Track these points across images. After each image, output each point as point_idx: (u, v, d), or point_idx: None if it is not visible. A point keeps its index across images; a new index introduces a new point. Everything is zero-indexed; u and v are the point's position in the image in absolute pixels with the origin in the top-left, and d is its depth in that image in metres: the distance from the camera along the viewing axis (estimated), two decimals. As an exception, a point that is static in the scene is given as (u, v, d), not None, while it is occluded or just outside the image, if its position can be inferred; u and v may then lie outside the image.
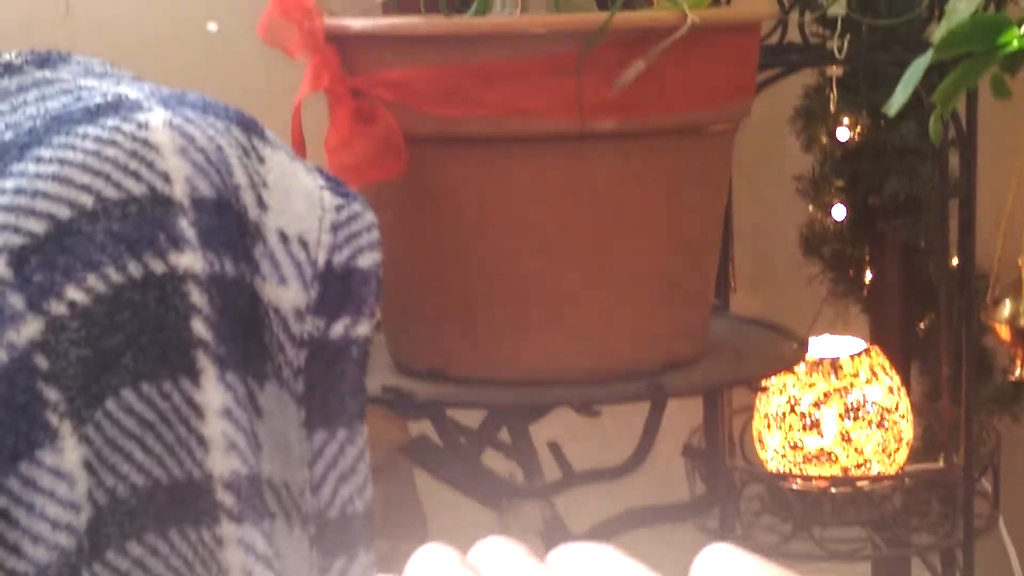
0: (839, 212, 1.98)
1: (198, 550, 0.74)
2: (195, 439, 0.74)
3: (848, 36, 1.54)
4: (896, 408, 1.77)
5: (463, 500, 1.29)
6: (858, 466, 1.75)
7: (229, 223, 0.77)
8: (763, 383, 1.28)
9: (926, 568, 1.86)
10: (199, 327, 0.75)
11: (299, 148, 1.11)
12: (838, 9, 1.50)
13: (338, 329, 0.80)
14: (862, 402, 1.75)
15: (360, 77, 1.12)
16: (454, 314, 1.17)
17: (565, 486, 1.27)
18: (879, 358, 1.79)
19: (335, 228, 0.81)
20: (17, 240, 0.73)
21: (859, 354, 1.77)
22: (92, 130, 0.76)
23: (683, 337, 1.21)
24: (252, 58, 1.71)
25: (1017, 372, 1.87)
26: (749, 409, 1.84)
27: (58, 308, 0.72)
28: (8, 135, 0.78)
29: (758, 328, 1.36)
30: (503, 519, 1.26)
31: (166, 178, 0.75)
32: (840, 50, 1.53)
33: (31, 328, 0.72)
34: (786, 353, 1.28)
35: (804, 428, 1.75)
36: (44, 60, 0.87)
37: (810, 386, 1.76)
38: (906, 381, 1.91)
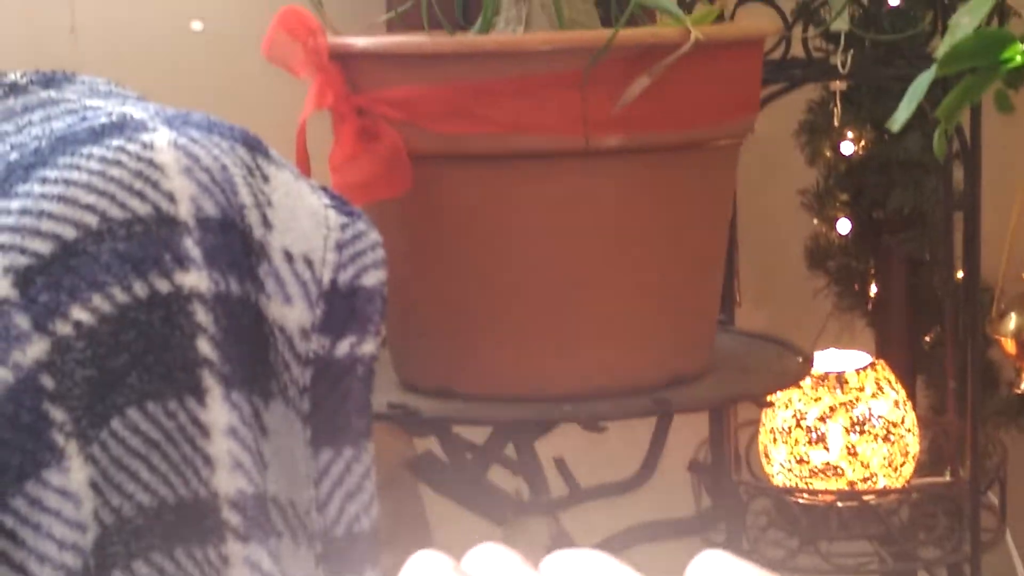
0: (844, 226, 1.99)
1: (204, 569, 0.74)
2: (201, 458, 0.74)
3: (851, 51, 1.54)
4: (902, 422, 1.77)
5: (469, 516, 1.29)
6: (864, 480, 1.75)
7: (234, 242, 0.77)
8: (769, 398, 1.28)
9: (933, 582, 1.86)
10: (204, 346, 0.75)
11: (304, 166, 1.11)
12: (841, 24, 1.50)
13: (344, 348, 0.80)
14: (868, 416, 1.75)
15: (364, 95, 1.12)
16: (459, 331, 1.17)
17: (571, 502, 1.27)
18: (885, 372, 1.79)
19: (340, 247, 0.81)
20: (23, 261, 0.73)
21: (865, 368, 1.77)
22: (97, 150, 0.76)
23: (688, 352, 1.21)
24: (258, 76, 1.71)
25: (1023, 385, 1.87)
26: (755, 423, 1.84)
27: (64, 328, 0.72)
28: (13, 155, 0.78)
29: (763, 343, 1.36)
30: (509, 535, 1.26)
31: (171, 198, 0.76)
32: (843, 65, 1.54)
33: (37, 348, 0.72)
34: (792, 368, 1.28)
35: (810, 442, 1.75)
36: (49, 80, 0.87)
37: (816, 400, 1.76)
38: (912, 395, 1.91)
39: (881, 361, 1.80)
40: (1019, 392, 1.90)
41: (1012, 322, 1.83)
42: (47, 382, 0.72)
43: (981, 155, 1.66)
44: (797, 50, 1.61)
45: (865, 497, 1.73)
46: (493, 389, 1.17)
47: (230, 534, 0.74)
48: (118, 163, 0.76)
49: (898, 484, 1.76)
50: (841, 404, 1.75)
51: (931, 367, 2.00)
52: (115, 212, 0.74)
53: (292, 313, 0.79)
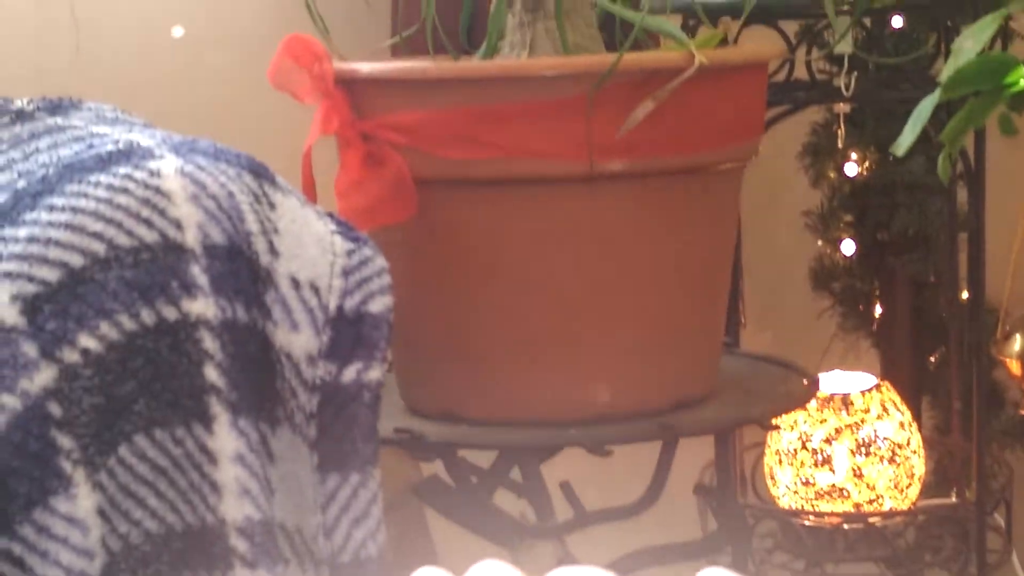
0: (848, 247, 1.99)
1: (212, 596, 0.74)
2: (208, 485, 0.74)
3: (855, 73, 1.55)
4: (908, 443, 1.77)
5: (475, 540, 1.29)
6: (870, 502, 1.75)
7: (241, 269, 0.78)
8: (774, 421, 1.28)
9: (940, 604, 1.86)
10: (211, 373, 0.75)
11: (309, 192, 1.12)
12: (845, 47, 1.51)
13: (350, 374, 0.80)
14: (873, 438, 1.75)
15: (370, 121, 1.13)
16: (464, 355, 1.17)
17: (577, 526, 1.27)
18: (890, 393, 1.79)
19: (346, 273, 0.81)
20: (30, 288, 0.73)
21: (870, 390, 1.77)
22: (104, 178, 0.77)
23: (693, 376, 1.21)
24: (264, 101, 1.71)
25: (1028, 406, 1.87)
26: (760, 445, 1.84)
27: (71, 356, 0.72)
28: (21, 183, 0.78)
29: (768, 365, 1.36)
30: (515, 559, 1.26)
31: (178, 225, 0.76)
32: (847, 87, 1.54)
33: (45, 376, 0.72)
34: (797, 391, 1.28)
35: (816, 464, 1.75)
36: (56, 106, 0.87)
37: (821, 422, 1.76)
38: (917, 416, 1.91)
39: (886, 383, 1.80)
40: (1024, 413, 1.90)
41: (1017, 343, 1.82)
42: (55, 410, 0.72)
43: (985, 176, 1.67)
44: (801, 72, 1.62)
45: (871, 519, 1.73)
46: (499, 413, 1.17)
47: (238, 561, 0.74)
48: (125, 191, 0.76)
49: (904, 506, 1.76)
50: (847, 426, 1.75)
51: (936, 388, 2.00)
52: (122, 239, 0.75)
53: (299, 340, 0.79)
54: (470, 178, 1.12)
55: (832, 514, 1.73)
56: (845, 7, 1.52)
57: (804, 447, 1.76)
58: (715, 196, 1.19)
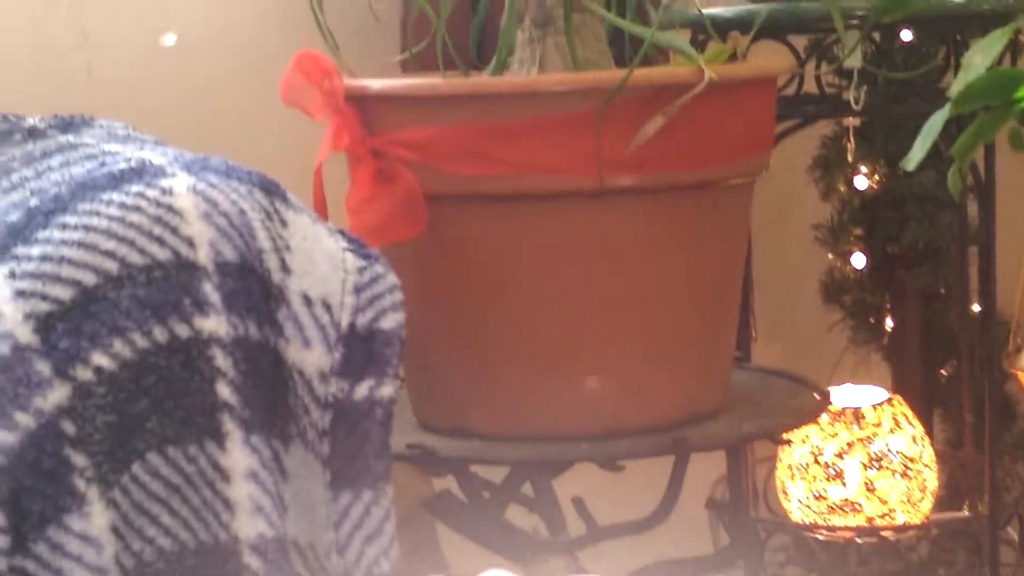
0: (859, 260, 1.99)
1: (225, 613, 0.74)
2: (221, 502, 0.74)
3: (864, 87, 1.55)
4: (920, 457, 1.76)
5: (487, 555, 1.29)
6: (883, 516, 1.75)
7: (253, 287, 0.78)
8: (785, 435, 1.28)
9: (953, 618, 1.85)
10: (224, 390, 0.75)
11: (320, 209, 1.12)
12: (854, 61, 1.51)
13: (362, 391, 0.80)
14: (885, 451, 1.75)
15: (380, 137, 1.13)
16: (476, 370, 1.17)
17: (589, 540, 1.27)
18: (902, 407, 1.79)
19: (358, 290, 0.82)
20: (43, 307, 0.73)
21: (882, 403, 1.77)
22: (116, 196, 0.77)
23: (704, 390, 1.21)
24: (275, 118, 1.72)
25: (1040, 419, 1.87)
26: (772, 459, 1.84)
27: (84, 374, 0.73)
28: (33, 201, 0.78)
29: (779, 379, 1.36)
30: (528, 574, 1.26)
31: (190, 243, 0.76)
32: (857, 101, 1.54)
33: (58, 394, 0.72)
34: (808, 405, 1.28)
35: (828, 478, 1.75)
36: (68, 124, 0.88)
37: (833, 436, 1.75)
38: (928, 429, 1.91)
39: (898, 396, 1.80)
40: (1036, 426, 1.89)
41: (1029, 356, 1.82)
42: (68, 428, 0.72)
43: (995, 189, 1.67)
44: (810, 86, 1.62)
45: (884, 533, 1.72)
46: (510, 428, 1.17)
47: (250, 578, 0.75)
48: (138, 209, 0.76)
49: (916, 520, 1.76)
50: (859, 440, 1.75)
51: (947, 401, 1.99)
52: (135, 258, 0.75)
53: (311, 357, 0.79)
54: (480, 194, 1.12)
55: (844, 528, 1.73)
56: (854, 21, 1.52)
57: (816, 461, 1.75)
58: (725, 211, 1.19)
